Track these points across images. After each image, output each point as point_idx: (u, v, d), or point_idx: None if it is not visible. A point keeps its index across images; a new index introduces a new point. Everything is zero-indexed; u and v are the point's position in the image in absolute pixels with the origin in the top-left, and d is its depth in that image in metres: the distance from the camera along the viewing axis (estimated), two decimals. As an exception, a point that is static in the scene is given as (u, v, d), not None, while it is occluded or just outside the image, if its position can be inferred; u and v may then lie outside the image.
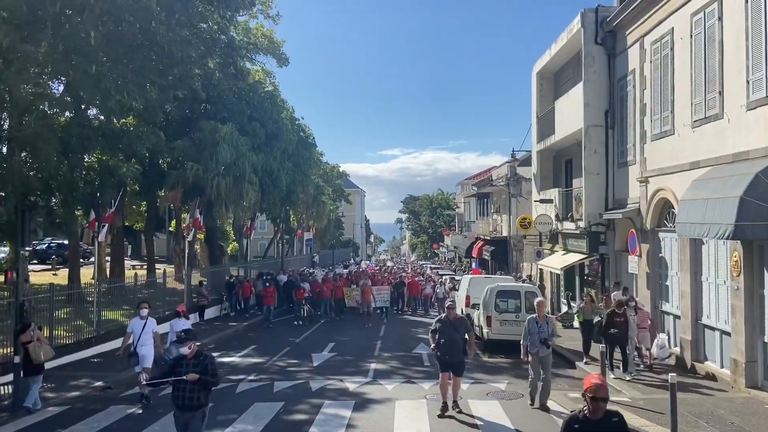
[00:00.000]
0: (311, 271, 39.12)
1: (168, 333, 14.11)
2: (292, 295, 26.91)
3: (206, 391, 7.43)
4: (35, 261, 36.27)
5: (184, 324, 13.84)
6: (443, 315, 11.08)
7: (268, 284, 26.72)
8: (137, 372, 12.08)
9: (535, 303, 11.87)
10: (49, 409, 11.43)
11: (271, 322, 24.38)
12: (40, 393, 11.77)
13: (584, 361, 15.42)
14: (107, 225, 23.90)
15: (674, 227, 13.96)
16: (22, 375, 11.47)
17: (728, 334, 12.85)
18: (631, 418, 10.25)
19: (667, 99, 15.51)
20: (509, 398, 11.91)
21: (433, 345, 10.84)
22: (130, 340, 12.21)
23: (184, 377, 7.25)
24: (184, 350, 7.51)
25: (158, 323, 20.73)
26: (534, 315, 11.39)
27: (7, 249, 29.30)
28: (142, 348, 12.06)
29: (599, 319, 14.78)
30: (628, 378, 13.42)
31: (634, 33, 17.48)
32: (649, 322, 15.10)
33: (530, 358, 11.08)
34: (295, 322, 24.63)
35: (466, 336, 10.73)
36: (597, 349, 13.89)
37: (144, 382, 7.39)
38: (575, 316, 16.34)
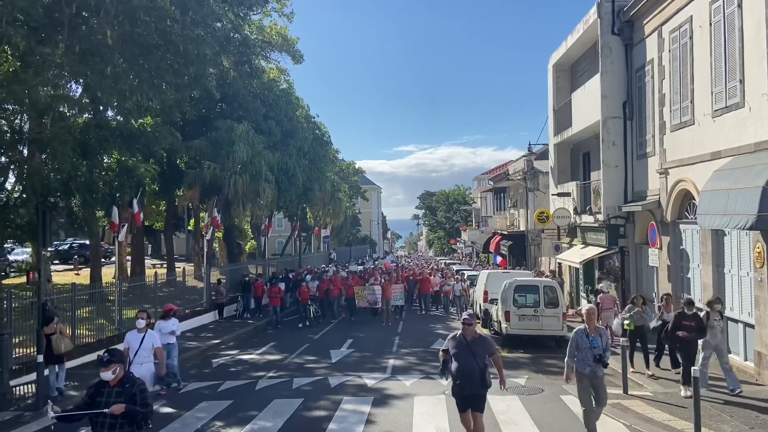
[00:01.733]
0: (324, 268, 37.70)
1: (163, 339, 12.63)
2: (297, 295, 25.39)
3: (132, 426, 5.81)
4: (57, 261, 36.81)
5: (173, 325, 12.92)
6: (458, 332, 8.27)
7: (273, 283, 25.43)
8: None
9: (583, 311, 9.15)
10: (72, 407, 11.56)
11: (278, 323, 23.14)
12: (65, 389, 12.49)
13: (629, 370, 12.73)
14: (127, 225, 24.21)
15: (695, 219, 13.76)
16: (45, 364, 12.01)
17: (752, 326, 12.64)
18: (653, 413, 10.16)
19: (687, 89, 15.27)
20: (528, 393, 11.83)
21: (441, 366, 8.30)
22: (128, 358, 9.88)
23: (105, 410, 5.67)
24: (107, 375, 5.89)
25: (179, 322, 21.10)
26: (582, 326, 8.88)
27: (29, 250, 29.75)
28: (140, 367, 9.91)
29: (657, 323, 12.95)
30: (686, 394, 10.87)
31: (652, 22, 17.23)
32: (615, 306, 17.37)
33: (576, 381, 8.78)
34: (300, 324, 23.04)
35: (489, 361, 8.18)
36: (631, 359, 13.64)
37: (52, 416, 5.66)
38: (625, 323, 13.83)
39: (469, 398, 8.06)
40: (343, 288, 26.00)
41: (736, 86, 12.91)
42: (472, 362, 7.93)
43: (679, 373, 11.94)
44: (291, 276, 29.77)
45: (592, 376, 8.64)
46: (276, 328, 22.75)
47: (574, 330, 9.04)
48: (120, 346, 9.36)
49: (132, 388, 5.88)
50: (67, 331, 14.12)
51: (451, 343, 8.20)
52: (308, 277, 28.35)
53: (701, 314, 11.33)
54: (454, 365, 8.02)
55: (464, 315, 8.28)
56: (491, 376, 8.18)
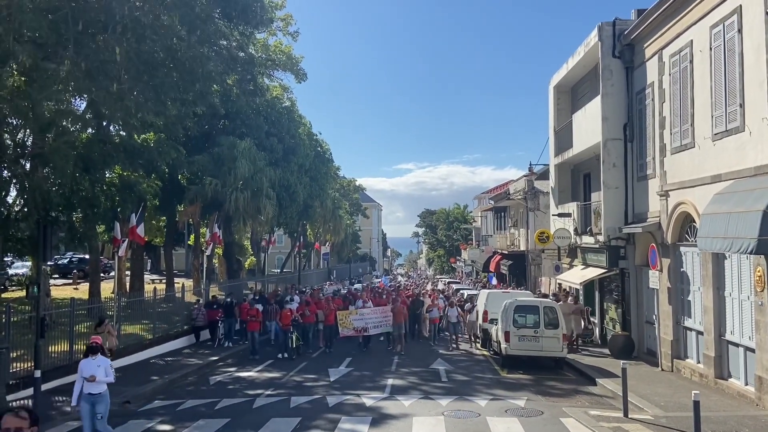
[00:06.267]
0: (300, 289, 32.64)
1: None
2: (277, 320, 21.68)
3: None
4: (57, 275, 36.75)
5: (99, 365, 9.68)
6: None
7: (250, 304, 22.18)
8: None
9: None
10: (69, 423, 11.50)
11: (255, 351, 20.08)
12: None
13: None
14: (127, 240, 24.20)
15: (696, 241, 13.77)
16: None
17: (752, 350, 12.60)
18: (653, 437, 10.07)
19: (687, 112, 15.37)
20: (528, 415, 11.74)
21: None
22: None
23: None
24: None
25: (173, 339, 20.82)
26: None
27: (29, 264, 29.72)
28: None
29: None
30: None
31: (653, 46, 17.39)
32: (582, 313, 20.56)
33: None
34: (279, 355, 19.88)
35: None
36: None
37: None
38: None
39: None
40: (321, 312, 21.97)
41: (736, 110, 13.00)
42: None
43: None
44: (256, 297, 25.70)
45: None
46: (254, 358, 19.72)
47: None
48: None
49: None
50: (65, 347, 14.92)
51: None
52: (292, 298, 24.20)
53: None
54: None
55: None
56: None
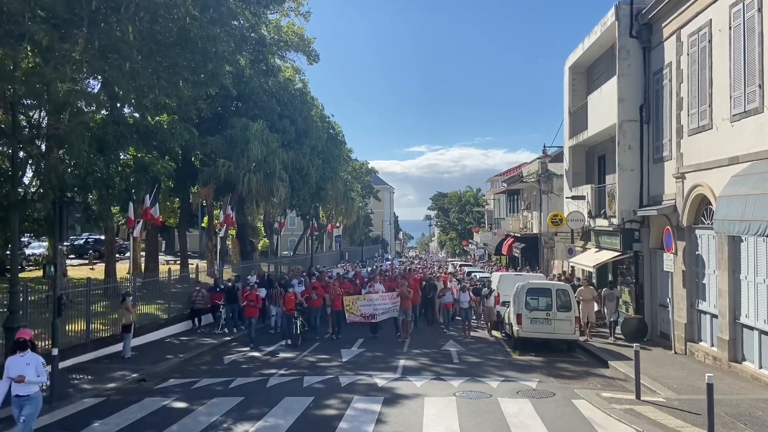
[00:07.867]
0: (319, 269, 31.55)
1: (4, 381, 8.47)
2: (281, 305, 20.23)
3: None
4: (73, 256, 37.19)
5: (28, 363, 8.35)
6: None
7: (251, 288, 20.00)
8: None
9: None
10: (86, 400, 11.70)
11: (252, 341, 18.52)
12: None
13: None
14: (142, 221, 24.40)
15: (712, 224, 13.64)
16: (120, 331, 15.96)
17: (767, 333, 12.51)
18: (666, 419, 10.07)
19: (705, 93, 15.14)
20: (540, 396, 11.77)
21: None
22: None
23: None
24: None
25: (188, 319, 20.93)
26: None
27: (45, 244, 30.08)
28: None
29: None
30: None
31: (671, 25, 17.10)
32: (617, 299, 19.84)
33: None
34: (284, 342, 18.90)
35: None
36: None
37: None
38: None
39: None
40: (331, 296, 20.74)
41: (755, 91, 12.79)
42: None
43: None
44: (256, 278, 23.36)
45: None
46: (252, 346, 18.19)
47: None
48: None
49: None
50: (81, 326, 15.49)
51: None
52: (295, 282, 22.60)
53: None
54: None
55: None
56: None
